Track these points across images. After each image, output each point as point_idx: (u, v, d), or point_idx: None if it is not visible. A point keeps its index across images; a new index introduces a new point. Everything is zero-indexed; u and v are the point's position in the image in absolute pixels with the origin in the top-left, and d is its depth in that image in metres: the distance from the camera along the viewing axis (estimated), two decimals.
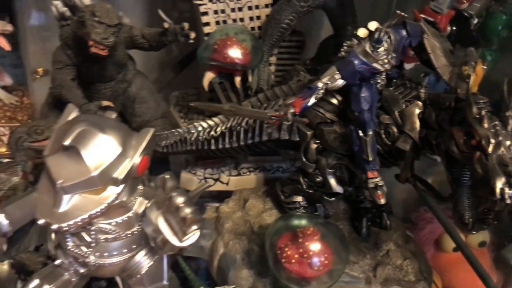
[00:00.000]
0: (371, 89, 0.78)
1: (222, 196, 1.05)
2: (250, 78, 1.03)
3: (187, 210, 0.57)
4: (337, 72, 0.75)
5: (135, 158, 0.64)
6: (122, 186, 0.64)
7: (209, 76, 1.02)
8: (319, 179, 0.88)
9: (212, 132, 0.94)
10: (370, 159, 0.78)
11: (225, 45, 0.99)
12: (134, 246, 0.72)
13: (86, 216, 0.62)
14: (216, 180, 1.08)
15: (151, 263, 0.75)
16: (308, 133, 0.86)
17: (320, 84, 0.75)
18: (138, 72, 1.02)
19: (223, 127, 0.93)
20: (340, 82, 0.75)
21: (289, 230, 0.83)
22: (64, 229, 0.61)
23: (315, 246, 0.79)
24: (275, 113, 0.73)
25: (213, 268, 0.91)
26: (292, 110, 0.73)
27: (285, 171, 1.11)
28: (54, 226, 0.61)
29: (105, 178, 0.62)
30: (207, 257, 0.94)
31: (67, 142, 0.60)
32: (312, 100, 0.75)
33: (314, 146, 0.86)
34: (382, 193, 0.79)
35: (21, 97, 1.17)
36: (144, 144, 0.65)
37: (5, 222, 0.71)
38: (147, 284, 0.76)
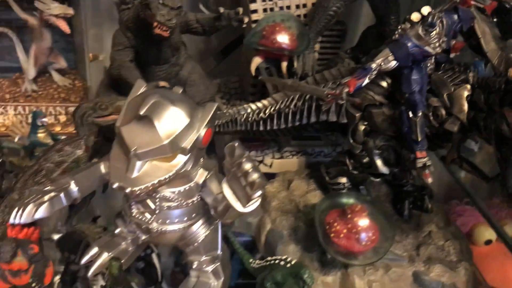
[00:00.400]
0: (421, 72, 0.81)
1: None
2: (295, 64, 1.07)
3: (255, 175, 0.60)
4: (391, 54, 0.78)
5: (201, 130, 0.68)
6: (188, 155, 0.68)
7: (256, 61, 1.05)
8: (365, 160, 0.91)
9: (261, 114, 0.97)
10: (419, 139, 0.81)
11: (273, 31, 1.02)
12: (194, 215, 0.76)
13: (156, 181, 0.66)
14: (260, 162, 1.12)
15: (207, 232, 0.79)
16: (357, 115, 0.89)
17: (373, 65, 0.78)
18: (189, 57, 1.06)
19: (272, 109, 0.97)
20: (393, 63, 0.78)
21: (337, 207, 0.86)
22: (137, 193, 0.65)
23: (363, 222, 0.82)
24: (331, 91, 0.77)
25: (261, 243, 0.95)
26: (346, 90, 0.77)
27: (326, 156, 1.14)
28: (128, 190, 0.65)
29: (174, 147, 0.66)
30: (254, 233, 0.98)
31: (142, 112, 0.64)
32: (366, 81, 0.78)
33: (362, 127, 0.89)
34: (429, 173, 0.82)
35: (73, 80, 1.23)
36: (209, 117, 0.69)
37: (75, 188, 0.75)
38: (203, 252, 0.80)
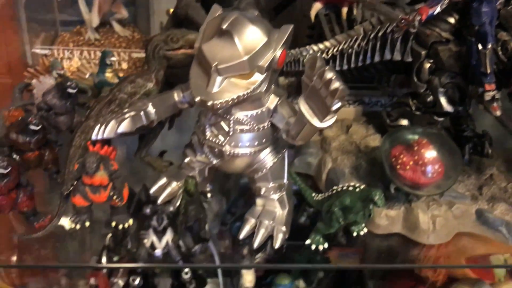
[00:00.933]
0: (491, 4, 0.81)
1: None
2: (355, 11, 1.07)
3: (338, 83, 0.62)
4: None
5: (277, 50, 0.70)
6: (264, 75, 0.70)
7: (316, 6, 1.06)
8: (430, 99, 0.91)
9: (324, 55, 0.98)
10: (488, 71, 0.80)
11: None
12: (263, 141, 0.78)
13: (235, 96, 0.68)
14: None
15: (275, 160, 0.82)
16: (423, 52, 0.89)
17: None
18: (250, 3, 1.08)
19: (335, 50, 0.98)
20: None
21: (403, 142, 0.86)
22: (217, 106, 0.68)
23: (430, 154, 0.83)
24: (405, 16, 0.77)
25: (321, 182, 0.96)
26: (418, 18, 0.77)
27: (383, 106, 1.14)
28: (209, 103, 0.67)
29: (253, 64, 0.68)
30: (314, 173, 0.99)
31: (224, 26, 0.66)
32: (437, 9, 0.78)
33: (427, 65, 0.90)
34: (498, 106, 0.81)
35: (132, 32, 1.26)
36: (285, 37, 0.70)
37: (152, 110, 0.78)
38: (270, 179, 0.83)
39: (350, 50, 0.96)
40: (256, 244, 0.82)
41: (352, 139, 1.01)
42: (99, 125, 0.77)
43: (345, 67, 0.97)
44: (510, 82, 0.86)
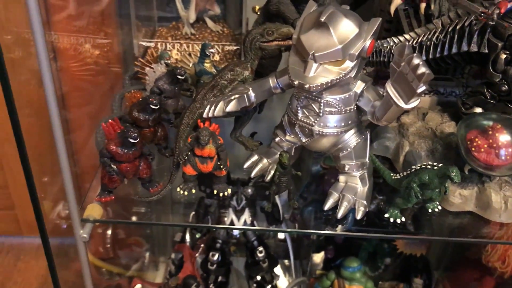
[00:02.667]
0: None
1: None
2: (432, 6, 1.14)
3: (424, 68, 0.70)
4: None
5: (367, 40, 0.79)
6: (355, 62, 0.80)
7: (396, 2, 1.14)
8: (504, 88, 0.97)
9: None
10: None
11: None
12: (349, 122, 0.88)
13: (329, 80, 0.79)
14: None
15: (358, 140, 0.91)
16: (499, 44, 0.95)
17: None
18: (333, 1, 1.17)
19: (414, 42, 1.05)
20: None
21: (478, 127, 0.93)
22: (313, 88, 0.78)
23: (504, 137, 0.89)
24: (485, 10, 0.84)
25: (399, 164, 1.04)
26: (497, 11, 0.84)
27: (457, 96, 1.21)
28: (306, 86, 0.78)
29: (346, 52, 0.78)
30: (391, 156, 1.07)
31: (322, 18, 0.76)
32: None
33: (503, 56, 0.95)
34: None
35: (223, 27, 1.39)
36: (374, 28, 0.80)
37: (252, 94, 0.90)
38: (354, 157, 0.92)
39: (428, 42, 1.03)
40: (339, 215, 0.92)
41: (428, 125, 1.09)
42: (209, 106, 0.90)
43: (423, 58, 1.05)
44: None
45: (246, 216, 1.32)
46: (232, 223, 1.34)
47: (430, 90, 1.21)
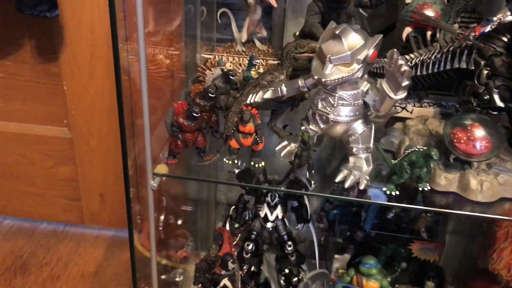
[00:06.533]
0: None
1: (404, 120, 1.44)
2: (437, 35, 1.41)
3: (406, 67, 0.98)
4: (508, 11, 1.10)
5: (370, 50, 1.07)
6: (360, 65, 1.08)
7: (407, 30, 1.42)
8: (486, 97, 1.22)
9: (408, 63, 1.33)
10: None
11: (422, 8, 1.39)
12: (357, 113, 1.16)
13: (340, 77, 1.07)
14: (403, 108, 1.47)
15: (365, 129, 1.18)
16: (482, 62, 1.21)
17: (495, 18, 1.11)
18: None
19: (417, 60, 1.33)
20: (510, 18, 1.10)
21: (460, 124, 1.18)
22: (328, 82, 1.07)
23: (479, 132, 1.14)
24: (462, 32, 1.11)
25: (400, 155, 1.29)
26: (473, 34, 1.11)
27: (457, 110, 1.46)
28: (323, 80, 1.07)
29: (353, 57, 1.06)
30: (395, 149, 1.33)
31: (337, 32, 1.06)
32: (488, 28, 1.11)
33: (485, 72, 1.21)
34: None
35: (268, 48, 1.71)
36: (376, 42, 1.08)
37: (284, 89, 1.20)
38: (360, 142, 1.18)
39: (428, 60, 1.30)
40: (347, 185, 1.18)
41: (427, 128, 1.34)
42: (251, 94, 1.20)
43: (424, 72, 1.32)
44: None
45: (278, 211, 1.58)
46: (266, 217, 1.60)
47: (435, 103, 1.47)
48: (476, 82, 1.23)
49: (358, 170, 1.19)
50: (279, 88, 1.19)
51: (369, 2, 1.39)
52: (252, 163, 1.26)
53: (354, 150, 1.19)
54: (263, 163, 1.26)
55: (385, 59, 1.27)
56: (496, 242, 1.67)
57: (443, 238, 1.75)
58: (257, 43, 1.69)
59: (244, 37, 1.62)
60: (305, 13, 1.41)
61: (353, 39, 1.06)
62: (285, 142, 1.28)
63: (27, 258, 2.15)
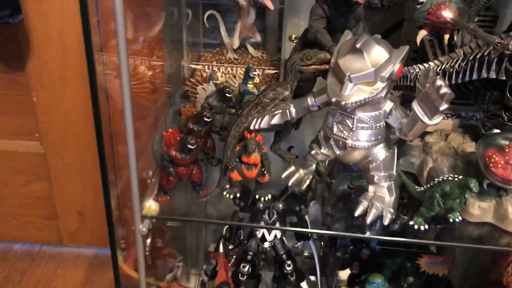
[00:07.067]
0: None
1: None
2: (455, 38, 1.26)
3: (446, 89, 0.82)
4: None
5: (396, 65, 0.91)
6: (385, 83, 0.91)
7: (422, 33, 1.26)
8: None
9: None
10: None
11: (438, 8, 1.23)
12: (379, 137, 0.99)
13: (362, 98, 0.90)
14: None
15: (387, 154, 1.02)
16: None
17: None
18: (365, 29, 1.30)
19: (438, 69, 1.17)
20: None
21: (495, 145, 1.03)
22: (348, 105, 0.90)
23: None
24: (501, 40, 0.96)
25: (423, 178, 1.15)
26: None
27: (477, 119, 1.31)
28: (342, 103, 0.90)
29: (377, 74, 0.90)
30: (416, 171, 1.18)
31: (358, 45, 0.89)
32: None
33: None
34: None
35: (262, 54, 1.53)
36: (402, 55, 0.92)
37: (293, 110, 1.03)
38: (382, 169, 1.02)
39: (451, 69, 1.15)
40: (368, 220, 1.02)
41: (450, 145, 1.19)
42: (256, 119, 1.03)
43: (447, 82, 1.16)
44: None
45: (277, 231, 1.42)
46: (263, 237, 1.45)
47: (453, 113, 1.32)
48: (508, 94, 1.08)
49: (380, 201, 1.03)
50: (287, 111, 1.02)
51: (380, 3, 1.22)
52: (257, 196, 1.09)
53: (376, 179, 1.03)
54: (269, 196, 1.10)
55: (408, 68, 1.10)
56: (510, 254, 1.57)
57: (452, 249, 1.64)
58: (250, 49, 1.51)
59: (236, 43, 1.44)
60: (304, 14, 1.24)
61: (377, 53, 0.90)
62: (292, 168, 1.12)
63: (0, 283, 1.99)
